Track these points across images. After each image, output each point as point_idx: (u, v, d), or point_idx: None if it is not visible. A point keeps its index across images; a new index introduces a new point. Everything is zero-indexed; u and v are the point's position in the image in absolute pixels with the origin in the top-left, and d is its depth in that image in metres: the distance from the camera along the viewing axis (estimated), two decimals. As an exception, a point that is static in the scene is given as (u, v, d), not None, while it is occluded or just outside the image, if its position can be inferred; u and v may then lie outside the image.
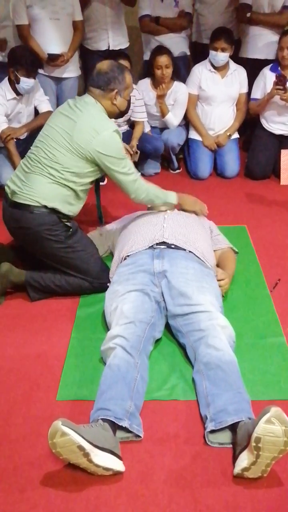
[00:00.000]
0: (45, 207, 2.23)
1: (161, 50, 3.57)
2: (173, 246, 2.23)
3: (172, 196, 2.50)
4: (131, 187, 2.36)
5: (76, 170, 2.25)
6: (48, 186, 2.23)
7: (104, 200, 3.00)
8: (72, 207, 2.32)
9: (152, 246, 2.23)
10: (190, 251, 2.23)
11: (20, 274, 2.33)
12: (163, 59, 3.53)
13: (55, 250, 2.29)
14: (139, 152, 3.37)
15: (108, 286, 2.23)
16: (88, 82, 2.37)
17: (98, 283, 2.37)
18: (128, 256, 2.27)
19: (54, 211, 2.25)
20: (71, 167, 2.23)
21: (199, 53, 4.05)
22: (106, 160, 2.24)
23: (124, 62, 3.25)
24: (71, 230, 2.30)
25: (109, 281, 2.30)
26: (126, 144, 3.49)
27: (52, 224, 2.25)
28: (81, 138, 2.20)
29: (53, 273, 2.35)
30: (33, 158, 2.28)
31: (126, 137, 3.55)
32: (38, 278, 2.34)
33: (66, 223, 2.29)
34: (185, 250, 2.22)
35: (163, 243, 2.24)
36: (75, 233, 2.34)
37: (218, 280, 2.23)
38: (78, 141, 2.20)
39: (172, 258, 2.16)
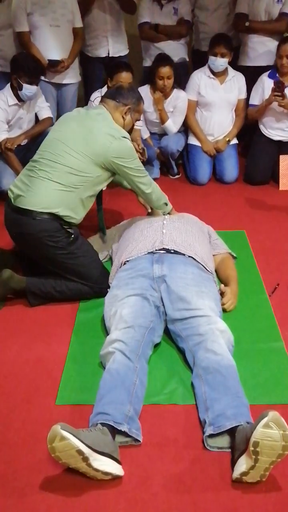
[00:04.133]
0: (48, 213, 2.23)
1: (164, 60, 3.57)
2: (172, 251, 2.24)
3: (169, 205, 2.63)
4: (146, 182, 2.46)
5: (89, 174, 2.28)
6: (53, 192, 2.23)
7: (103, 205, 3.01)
8: (75, 215, 2.31)
9: (151, 251, 2.25)
10: (189, 256, 2.24)
11: (21, 281, 2.33)
12: (165, 70, 3.54)
13: (56, 256, 2.30)
14: (145, 149, 3.41)
15: (108, 291, 2.24)
16: (104, 95, 2.49)
17: (98, 287, 2.38)
18: (127, 261, 2.28)
19: (56, 218, 2.25)
20: (85, 172, 2.26)
21: (199, 60, 4.07)
22: (123, 163, 2.30)
23: (127, 75, 3.26)
24: (72, 236, 2.31)
25: (109, 286, 2.31)
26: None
27: (54, 231, 2.25)
28: (98, 144, 2.25)
29: (54, 279, 2.36)
30: (42, 162, 2.28)
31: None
32: (39, 284, 2.34)
33: (68, 229, 2.29)
34: (184, 255, 2.24)
35: (163, 248, 2.25)
36: (77, 239, 2.34)
37: (223, 304, 2.23)
38: (94, 147, 2.25)
39: (172, 263, 2.17)
